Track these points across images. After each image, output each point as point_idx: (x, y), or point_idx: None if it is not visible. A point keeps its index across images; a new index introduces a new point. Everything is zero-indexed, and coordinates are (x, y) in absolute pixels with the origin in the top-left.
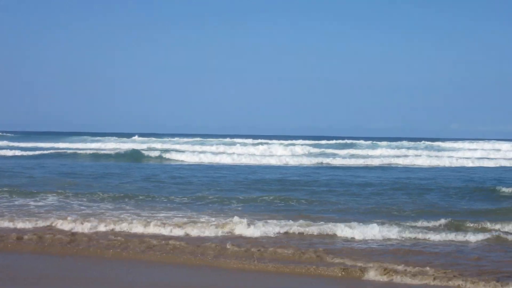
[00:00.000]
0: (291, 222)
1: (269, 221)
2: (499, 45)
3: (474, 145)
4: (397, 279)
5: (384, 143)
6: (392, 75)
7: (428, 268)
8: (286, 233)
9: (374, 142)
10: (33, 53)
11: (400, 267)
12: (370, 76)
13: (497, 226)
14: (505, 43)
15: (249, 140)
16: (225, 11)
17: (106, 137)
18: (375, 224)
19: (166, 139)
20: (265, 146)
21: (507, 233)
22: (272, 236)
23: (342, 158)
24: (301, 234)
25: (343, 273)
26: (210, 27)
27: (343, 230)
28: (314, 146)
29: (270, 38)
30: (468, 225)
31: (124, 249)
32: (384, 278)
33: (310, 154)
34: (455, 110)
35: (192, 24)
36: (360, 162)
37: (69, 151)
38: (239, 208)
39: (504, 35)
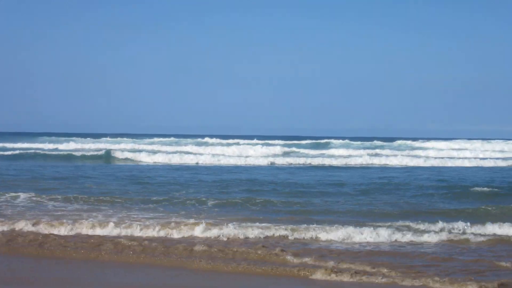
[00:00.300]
0: (263, 224)
1: (243, 224)
2: (482, 44)
3: (448, 144)
4: (364, 279)
5: (358, 142)
6: (370, 74)
7: (392, 269)
8: (264, 236)
9: (349, 141)
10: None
11: (360, 267)
12: (349, 75)
13: (470, 227)
14: (488, 43)
15: (224, 140)
16: (199, 10)
17: (78, 138)
18: (350, 227)
19: (140, 139)
20: (241, 146)
21: (478, 234)
22: (243, 238)
23: (318, 157)
24: (273, 235)
25: (299, 272)
26: (193, 25)
27: (318, 232)
28: (290, 145)
29: (249, 37)
30: (441, 225)
31: (96, 250)
32: (349, 278)
33: (286, 154)
34: (430, 109)
35: (171, 23)
36: (335, 162)
37: (41, 152)
38: (216, 209)
39: (490, 34)
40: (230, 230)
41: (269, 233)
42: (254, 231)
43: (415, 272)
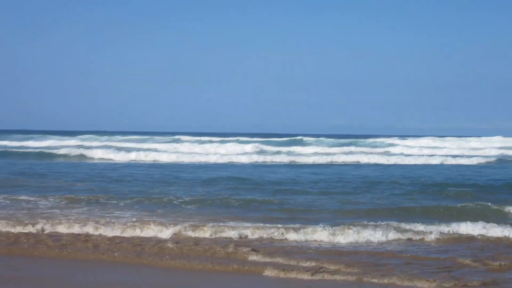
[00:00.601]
0: (239, 223)
1: (218, 223)
2: (460, 43)
3: (422, 141)
4: (327, 276)
5: (331, 139)
6: (347, 72)
7: (359, 267)
8: (239, 235)
9: (323, 139)
10: None
11: (326, 265)
12: (323, 73)
13: (441, 226)
14: (467, 41)
15: (198, 138)
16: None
17: (52, 135)
18: (318, 226)
19: (114, 136)
20: (215, 144)
21: (448, 233)
22: (215, 237)
23: (292, 155)
24: (249, 235)
25: (254, 269)
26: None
27: (290, 231)
28: (265, 143)
29: (233, 37)
30: (412, 224)
31: (68, 249)
32: (308, 276)
33: (261, 151)
34: (406, 107)
35: (155, 23)
36: (309, 159)
37: (9, 150)
38: (193, 207)
39: (471, 31)
40: (203, 231)
41: (244, 232)
42: (227, 230)
43: (382, 270)
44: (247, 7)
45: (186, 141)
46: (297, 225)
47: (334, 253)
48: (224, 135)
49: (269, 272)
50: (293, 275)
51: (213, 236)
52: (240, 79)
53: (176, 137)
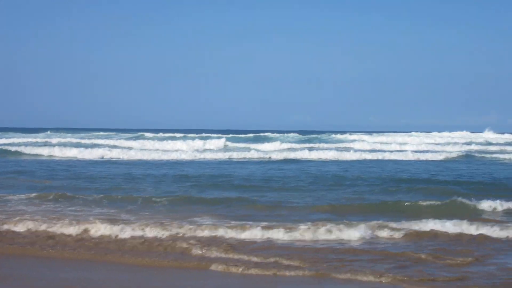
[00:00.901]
0: (198, 219)
1: (188, 220)
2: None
3: (387, 138)
4: (287, 272)
5: (293, 134)
6: (308, 69)
7: (317, 263)
8: (211, 235)
9: (286, 135)
10: None
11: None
12: (290, 70)
13: (402, 223)
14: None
15: (163, 134)
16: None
17: (15, 133)
18: (287, 224)
19: (80, 134)
20: (180, 140)
21: (408, 229)
22: (180, 235)
23: (259, 151)
24: (213, 234)
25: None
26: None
27: (255, 230)
28: (229, 139)
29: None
30: (372, 221)
31: (31, 246)
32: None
33: (227, 148)
34: (372, 104)
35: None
36: (274, 155)
37: None
38: (162, 205)
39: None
40: (165, 229)
41: (211, 230)
42: (191, 227)
43: (344, 267)
44: (219, 5)
45: (150, 138)
46: (264, 223)
47: (299, 250)
48: (186, 131)
49: (215, 267)
50: (251, 271)
51: (178, 233)
52: (203, 77)
53: (140, 133)
